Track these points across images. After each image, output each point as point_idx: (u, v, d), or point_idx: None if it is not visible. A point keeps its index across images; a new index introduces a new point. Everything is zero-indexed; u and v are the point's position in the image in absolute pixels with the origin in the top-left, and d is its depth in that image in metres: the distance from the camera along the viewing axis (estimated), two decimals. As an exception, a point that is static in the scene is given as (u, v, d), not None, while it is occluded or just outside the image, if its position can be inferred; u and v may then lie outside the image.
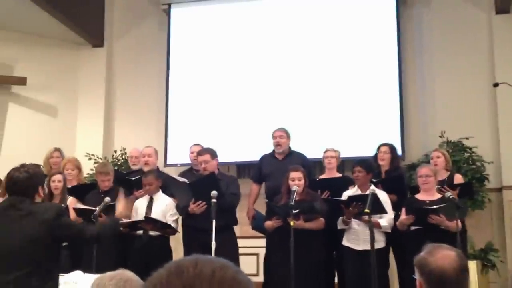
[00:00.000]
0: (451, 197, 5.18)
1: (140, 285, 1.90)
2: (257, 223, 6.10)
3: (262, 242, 5.97)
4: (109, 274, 1.97)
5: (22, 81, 8.35)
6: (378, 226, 5.35)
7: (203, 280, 0.90)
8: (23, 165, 3.57)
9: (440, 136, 7.50)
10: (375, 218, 5.30)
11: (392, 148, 6.19)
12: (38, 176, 3.59)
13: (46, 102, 8.65)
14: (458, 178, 6.02)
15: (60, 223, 3.40)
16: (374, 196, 5.10)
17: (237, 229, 5.96)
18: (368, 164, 5.74)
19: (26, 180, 3.43)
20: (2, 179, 6.02)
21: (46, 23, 8.15)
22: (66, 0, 8.06)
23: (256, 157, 6.71)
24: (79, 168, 6.43)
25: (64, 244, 4.58)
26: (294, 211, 5.04)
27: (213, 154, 5.77)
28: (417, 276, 2.21)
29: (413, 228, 5.32)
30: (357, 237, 5.47)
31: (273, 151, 6.32)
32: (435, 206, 5.18)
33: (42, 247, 3.32)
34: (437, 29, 8.16)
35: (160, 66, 8.85)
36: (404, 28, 8.19)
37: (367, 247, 5.15)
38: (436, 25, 8.18)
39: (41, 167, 5.95)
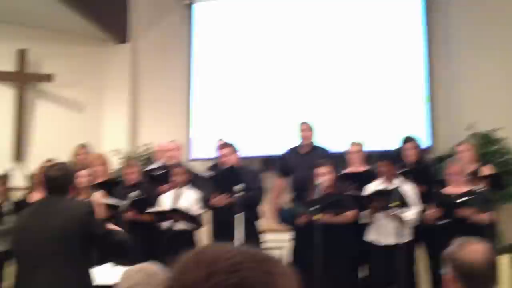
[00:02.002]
0: (479, 190, 5.10)
1: (165, 278, 1.90)
2: (282, 216, 6.10)
3: (286, 236, 5.96)
4: (136, 267, 2.01)
5: (49, 78, 8.45)
6: (404, 219, 5.28)
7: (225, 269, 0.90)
8: (57, 163, 3.68)
9: (468, 128, 7.37)
10: (402, 211, 5.24)
11: (416, 142, 6.12)
12: (70, 174, 3.69)
13: (73, 99, 8.74)
14: (487, 169, 5.90)
15: (90, 219, 3.44)
16: (399, 190, 5.03)
17: (261, 223, 5.96)
18: (392, 157, 5.68)
19: (64, 176, 3.54)
20: (33, 174, 6.16)
21: (72, 21, 8.23)
22: (90, -3, 8.14)
23: (280, 151, 6.70)
24: (106, 164, 6.50)
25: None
26: (316, 207, 5.01)
27: (234, 148, 5.79)
28: (446, 270, 2.17)
29: (441, 222, 5.26)
30: (382, 231, 5.41)
31: (298, 144, 6.31)
32: (462, 199, 5.11)
33: (73, 242, 3.36)
34: (465, 18, 8.01)
35: (184, 61, 8.88)
36: (431, 17, 8.07)
37: (392, 241, 5.10)
38: (464, 14, 8.03)
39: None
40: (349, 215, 5.35)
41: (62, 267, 3.33)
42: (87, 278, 3.43)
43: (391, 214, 5.17)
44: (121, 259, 4.58)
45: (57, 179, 3.52)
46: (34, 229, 3.43)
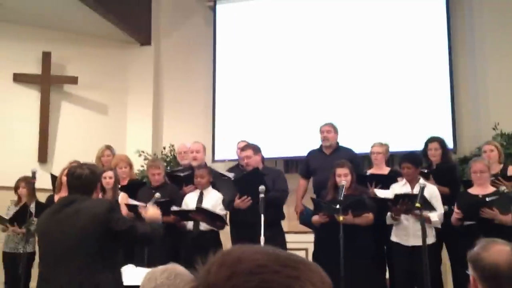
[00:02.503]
0: (505, 190, 5.04)
1: (190, 279, 1.91)
2: (305, 218, 6.09)
3: (311, 237, 5.95)
4: (160, 268, 2.01)
5: (73, 80, 8.55)
6: (428, 221, 5.25)
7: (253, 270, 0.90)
8: (83, 163, 3.69)
9: (493, 128, 7.28)
10: (426, 213, 5.20)
11: (441, 143, 6.06)
12: (98, 173, 3.71)
13: (97, 101, 8.83)
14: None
15: (111, 217, 3.43)
16: (423, 191, 4.98)
17: (285, 224, 5.96)
18: (416, 159, 5.63)
19: (89, 176, 3.55)
20: (57, 175, 6.24)
21: (96, 23, 8.32)
22: (115, 1, 8.21)
23: (304, 152, 6.69)
24: (130, 165, 6.57)
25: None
26: (341, 207, 4.99)
27: (256, 150, 5.78)
28: (470, 271, 2.16)
29: (466, 223, 5.21)
30: (406, 233, 5.38)
31: (321, 146, 6.30)
32: (487, 199, 5.05)
33: (97, 241, 3.37)
34: (488, 18, 7.93)
35: (207, 63, 8.92)
36: (454, 17, 8.01)
37: (417, 242, 5.06)
38: (487, 14, 7.95)
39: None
40: (370, 216, 5.33)
41: (84, 266, 3.33)
42: (110, 276, 3.42)
43: (415, 216, 5.12)
44: (149, 246, 4.61)
45: (81, 178, 3.53)
46: (56, 228, 3.44)
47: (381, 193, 5.56)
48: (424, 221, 4.96)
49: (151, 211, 3.80)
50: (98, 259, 3.37)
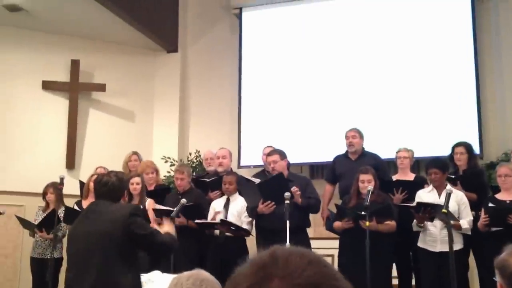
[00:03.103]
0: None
1: (216, 284, 1.93)
2: (331, 224, 6.08)
3: (337, 243, 5.93)
4: (186, 273, 2.01)
5: (101, 87, 8.66)
6: (458, 227, 5.20)
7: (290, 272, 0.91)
8: (111, 171, 3.74)
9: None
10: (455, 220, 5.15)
11: (468, 147, 5.99)
12: (125, 180, 3.74)
13: (124, 107, 8.94)
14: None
15: (132, 221, 3.44)
16: (450, 197, 4.92)
17: (311, 230, 5.95)
18: (442, 164, 5.58)
19: (115, 183, 3.59)
20: (85, 181, 6.33)
21: (123, 31, 8.43)
22: (142, 9, 8.32)
23: (329, 158, 6.69)
24: (156, 171, 6.63)
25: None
26: (367, 212, 4.97)
27: (282, 155, 5.78)
28: (497, 278, 2.14)
29: (493, 229, 5.15)
30: (434, 239, 5.33)
31: (346, 151, 6.29)
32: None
33: (117, 244, 3.39)
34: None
35: (233, 69, 8.97)
36: (480, 22, 7.93)
37: (445, 248, 5.01)
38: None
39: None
40: (392, 224, 5.30)
41: (105, 269, 3.36)
42: (133, 282, 3.45)
43: (444, 221, 5.07)
44: (165, 256, 4.63)
45: (107, 185, 3.57)
46: (80, 233, 3.49)
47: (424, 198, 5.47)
48: (451, 227, 4.91)
49: (167, 227, 3.80)
50: (118, 262, 3.40)
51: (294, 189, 5.35)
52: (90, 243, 3.42)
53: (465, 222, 5.24)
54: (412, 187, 5.74)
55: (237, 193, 5.95)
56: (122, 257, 3.41)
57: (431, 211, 5.07)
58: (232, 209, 5.80)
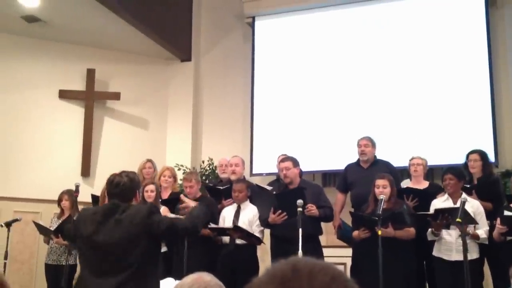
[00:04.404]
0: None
1: (219, 286, 1.92)
2: (342, 232, 6.07)
3: (349, 251, 5.92)
4: (189, 279, 1.98)
5: (116, 96, 8.75)
6: (476, 237, 5.17)
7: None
8: (123, 171, 3.74)
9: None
10: (471, 228, 5.12)
11: (482, 155, 5.95)
12: (136, 180, 3.74)
13: (138, 116, 9.01)
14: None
15: (152, 220, 3.47)
16: (464, 205, 4.90)
17: (323, 238, 5.94)
18: (459, 171, 5.54)
19: (126, 183, 3.60)
20: (98, 194, 6.37)
21: (138, 41, 8.52)
22: (156, 19, 8.40)
23: (341, 166, 6.67)
24: (175, 177, 6.67)
25: (163, 250, 4.71)
26: (379, 220, 4.96)
27: (295, 162, 5.78)
28: None
29: (509, 238, 5.11)
30: (449, 248, 5.29)
31: (358, 159, 6.28)
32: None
33: (139, 249, 3.41)
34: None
35: (245, 78, 9.01)
36: (494, 29, 7.89)
37: (460, 257, 4.98)
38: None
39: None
40: (411, 230, 5.27)
41: (128, 275, 3.36)
42: (154, 285, 3.45)
43: (459, 231, 5.04)
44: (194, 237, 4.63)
45: (119, 186, 3.58)
46: (101, 237, 3.46)
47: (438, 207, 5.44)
48: (465, 236, 4.88)
49: (191, 203, 3.86)
50: (141, 267, 3.41)
51: (309, 207, 5.37)
52: (110, 250, 3.41)
53: (482, 231, 5.20)
54: (422, 195, 5.72)
55: (248, 201, 5.95)
56: (142, 265, 3.42)
57: (448, 217, 5.03)
58: (243, 218, 5.80)
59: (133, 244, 3.41)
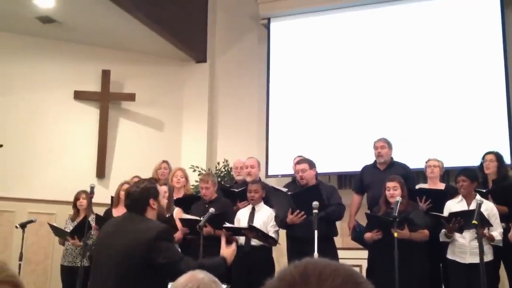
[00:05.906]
0: None
1: (213, 283, 1.90)
2: (357, 234, 6.04)
3: (364, 253, 5.90)
4: (182, 280, 1.95)
5: (131, 97, 8.78)
6: (492, 239, 5.13)
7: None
8: (139, 180, 3.68)
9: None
10: (486, 230, 5.08)
11: (498, 156, 5.95)
12: (148, 190, 3.56)
13: (153, 117, 9.04)
14: None
15: (155, 246, 3.30)
16: (480, 207, 4.85)
17: (339, 240, 5.92)
18: (472, 173, 5.53)
19: (136, 195, 3.51)
20: (115, 188, 6.41)
21: (153, 42, 8.54)
22: (171, 20, 8.42)
23: (357, 168, 6.66)
24: (187, 178, 6.68)
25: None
26: (396, 222, 4.94)
27: (311, 164, 5.78)
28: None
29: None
30: (463, 250, 5.27)
31: (375, 161, 6.25)
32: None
33: (135, 263, 3.28)
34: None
35: (261, 79, 9.01)
36: (510, 29, 7.82)
37: (474, 260, 4.96)
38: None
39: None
40: (425, 232, 5.25)
41: (123, 285, 3.29)
42: None
43: (475, 234, 5.00)
44: None
45: (132, 195, 3.52)
46: (106, 245, 3.47)
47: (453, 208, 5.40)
48: (482, 238, 4.84)
49: (230, 251, 3.68)
50: (134, 281, 3.27)
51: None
52: (112, 258, 3.34)
53: (497, 233, 5.17)
54: (436, 196, 5.69)
55: (262, 203, 5.94)
56: (138, 282, 3.28)
57: (461, 221, 5.01)
58: (258, 219, 5.80)
59: (129, 257, 3.28)
